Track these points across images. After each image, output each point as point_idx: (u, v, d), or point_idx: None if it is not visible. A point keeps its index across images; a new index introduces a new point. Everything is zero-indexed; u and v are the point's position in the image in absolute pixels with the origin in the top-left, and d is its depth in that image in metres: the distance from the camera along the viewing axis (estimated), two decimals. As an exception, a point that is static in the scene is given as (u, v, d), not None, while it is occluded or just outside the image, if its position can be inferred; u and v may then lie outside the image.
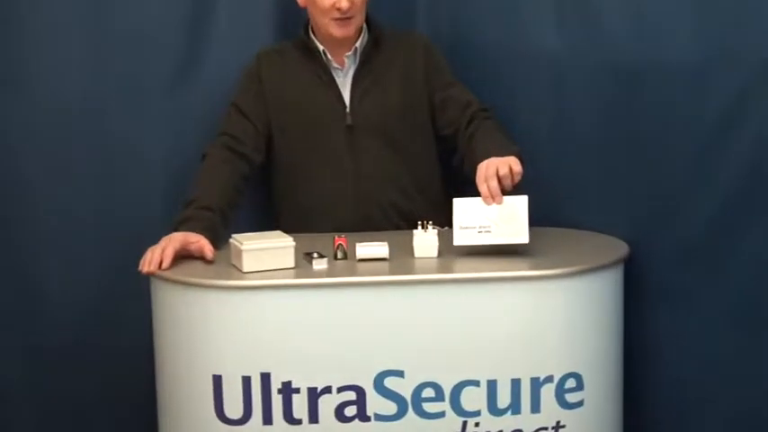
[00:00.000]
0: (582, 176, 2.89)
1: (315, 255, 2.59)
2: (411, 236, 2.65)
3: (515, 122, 2.95)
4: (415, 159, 2.99)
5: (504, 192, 2.63)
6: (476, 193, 2.70)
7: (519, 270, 2.56)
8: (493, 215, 2.62)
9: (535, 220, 2.66)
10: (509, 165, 2.64)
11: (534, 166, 2.80)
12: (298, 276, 2.52)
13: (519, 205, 2.62)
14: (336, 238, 2.66)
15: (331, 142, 2.94)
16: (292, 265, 2.56)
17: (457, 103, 2.94)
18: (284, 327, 2.49)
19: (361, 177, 2.93)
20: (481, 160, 2.69)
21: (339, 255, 2.65)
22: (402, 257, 2.63)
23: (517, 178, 2.64)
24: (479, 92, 2.98)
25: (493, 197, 2.62)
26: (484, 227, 2.62)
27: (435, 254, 2.63)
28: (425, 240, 2.63)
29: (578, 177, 2.90)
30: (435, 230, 2.64)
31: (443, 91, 2.96)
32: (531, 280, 2.55)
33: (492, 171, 2.64)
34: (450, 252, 2.64)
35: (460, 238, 2.61)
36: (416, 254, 2.63)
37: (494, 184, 2.62)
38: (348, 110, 2.93)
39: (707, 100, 2.64)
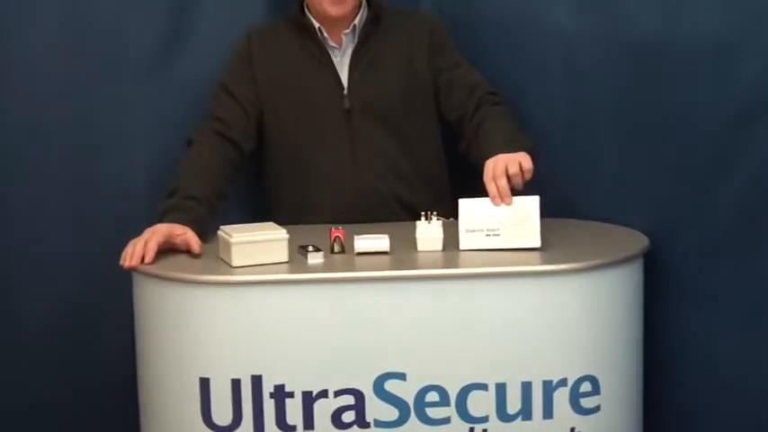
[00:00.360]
0: (598, 164, 2.85)
1: (310, 248, 2.53)
2: (413, 228, 2.59)
3: (527, 108, 2.91)
4: (417, 146, 2.94)
5: (514, 191, 2.57)
6: (483, 183, 2.64)
7: (531, 265, 2.50)
8: (502, 217, 2.56)
9: (548, 211, 2.61)
10: (519, 162, 2.58)
11: (548, 153, 2.77)
12: (291, 271, 2.46)
13: (530, 206, 2.56)
14: (333, 230, 2.59)
15: (327, 127, 2.88)
16: (285, 259, 2.50)
17: (463, 85, 2.88)
18: (277, 326, 2.44)
19: (359, 165, 2.87)
20: (489, 156, 2.64)
21: (336, 248, 2.58)
22: (404, 251, 2.57)
23: (528, 176, 2.59)
24: (488, 75, 2.93)
25: (502, 197, 2.55)
26: (492, 230, 2.57)
27: (440, 247, 2.56)
28: (429, 232, 2.56)
29: (594, 165, 2.85)
30: (440, 222, 2.57)
31: (449, 72, 2.90)
32: (543, 275, 2.49)
33: (501, 169, 2.58)
34: (455, 245, 2.58)
35: (467, 242, 2.56)
36: (419, 247, 2.56)
37: (503, 183, 2.56)
38: (346, 92, 2.87)
39: (733, 82, 2.57)
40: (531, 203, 2.56)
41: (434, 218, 2.58)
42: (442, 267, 2.50)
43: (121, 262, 2.55)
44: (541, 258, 2.53)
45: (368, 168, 2.88)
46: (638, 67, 2.71)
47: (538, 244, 2.54)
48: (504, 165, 2.59)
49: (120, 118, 2.98)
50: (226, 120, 2.85)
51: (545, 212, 2.59)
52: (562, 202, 2.84)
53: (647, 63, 2.70)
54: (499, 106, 2.85)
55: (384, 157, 2.89)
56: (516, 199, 2.57)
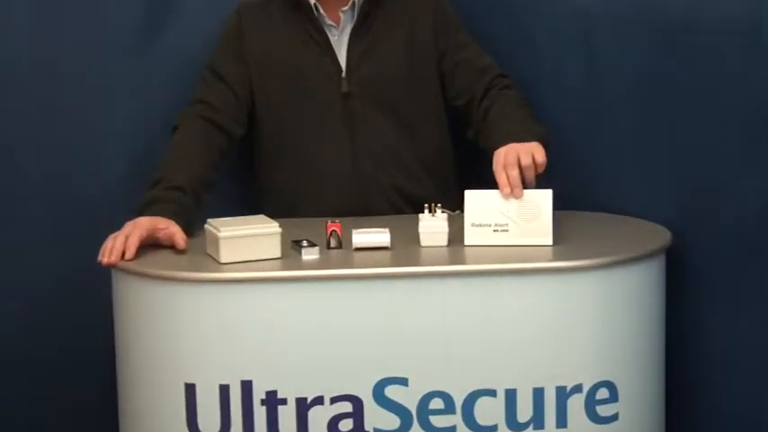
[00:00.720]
0: (617, 152, 2.80)
1: (304, 243, 2.48)
2: (416, 221, 2.53)
3: (541, 91, 2.87)
4: (421, 134, 2.88)
5: (526, 185, 2.53)
6: (492, 174, 2.59)
7: (542, 261, 2.45)
8: (511, 211, 2.51)
9: (562, 203, 2.58)
10: (532, 153, 2.54)
11: (562, 141, 2.75)
12: (284, 268, 2.43)
13: (542, 201, 2.51)
14: (329, 223, 2.54)
15: (324, 112, 2.82)
16: (278, 255, 2.46)
17: (471, 67, 2.83)
18: (268, 327, 2.40)
19: (358, 153, 2.81)
20: (500, 145, 2.60)
21: (333, 243, 2.52)
22: (406, 246, 2.52)
23: (541, 170, 2.55)
24: (499, 60, 2.88)
25: (512, 188, 2.51)
26: (500, 225, 2.52)
27: (445, 242, 2.51)
28: (433, 226, 2.51)
29: (612, 153, 2.80)
30: (445, 215, 2.51)
31: (456, 53, 2.85)
32: (556, 273, 2.44)
33: (512, 159, 2.54)
34: (461, 240, 2.53)
35: (472, 237, 2.52)
36: (423, 242, 2.51)
37: (515, 173, 2.51)
38: (344, 74, 2.81)
39: (764, 63, 2.49)
40: (544, 198, 2.51)
41: (439, 211, 2.52)
42: (447, 264, 2.45)
43: (99, 258, 2.49)
44: (554, 254, 2.49)
45: (367, 156, 2.81)
46: (661, 49, 2.66)
47: (550, 242, 2.50)
48: (516, 154, 2.54)
49: (99, 106, 2.93)
50: (214, 104, 2.80)
51: (558, 204, 2.55)
52: (577, 192, 2.80)
53: (670, 44, 2.65)
54: (510, 90, 2.81)
55: (385, 144, 2.83)
56: (527, 192, 2.53)
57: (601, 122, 2.82)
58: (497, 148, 2.59)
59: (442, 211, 2.52)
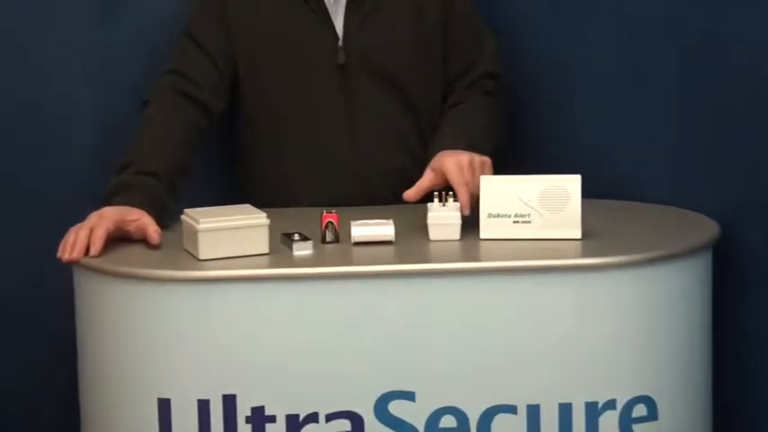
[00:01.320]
0: (656, 135, 2.69)
1: (296, 236, 2.37)
2: (424, 211, 2.42)
3: (570, 72, 2.80)
4: (428, 113, 2.75)
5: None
6: (515, 162, 2.54)
7: (570, 258, 2.32)
8: (534, 200, 2.39)
9: (593, 191, 2.46)
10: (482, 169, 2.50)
11: (594, 123, 2.71)
12: (273, 266, 2.31)
13: (570, 187, 2.37)
14: (325, 214, 2.41)
15: (318, 87, 2.70)
16: (266, 250, 2.34)
17: (463, 56, 2.74)
18: (255, 334, 2.28)
19: (357, 134, 2.68)
20: (443, 145, 2.57)
21: (329, 236, 2.41)
22: (413, 240, 2.41)
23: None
24: (525, 41, 2.82)
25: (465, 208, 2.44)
26: (521, 215, 2.39)
27: (457, 236, 2.39)
28: (444, 218, 2.39)
29: (652, 136, 2.70)
30: (457, 204, 2.40)
31: (456, 28, 2.75)
32: (587, 270, 2.31)
33: (469, 176, 2.48)
34: (476, 233, 2.42)
35: (489, 229, 2.40)
36: (432, 236, 2.39)
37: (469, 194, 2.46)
38: (341, 43, 2.68)
39: None
40: (572, 184, 2.38)
41: (451, 199, 2.41)
42: (459, 261, 2.34)
43: (60, 254, 2.38)
44: (583, 249, 2.36)
45: (367, 137, 2.69)
46: (704, 21, 2.58)
47: (578, 235, 2.38)
48: (471, 172, 2.48)
49: (59, 81, 2.84)
50: (191, 76, 2.68)
51: (589, 192, 2.42)
52: (610, 180, 2.71)
53: (716, 14, 2.56)
54: (490, 97, 2.73)
55: (387, 123, 2.71)
56: (553, 178, 2.40)
57: (637, 104, 2.74)
58: (443, 147, 2.54)
59: (455, 201, 2.41)
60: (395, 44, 2.71)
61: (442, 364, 2.29)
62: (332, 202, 2.54)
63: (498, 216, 2.41)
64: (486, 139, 2.63)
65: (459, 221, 2.39)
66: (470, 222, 2.42)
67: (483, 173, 2.47)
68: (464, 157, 2.50)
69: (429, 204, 2.41)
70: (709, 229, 2.51)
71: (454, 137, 2.59)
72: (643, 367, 2.34)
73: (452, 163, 2.47)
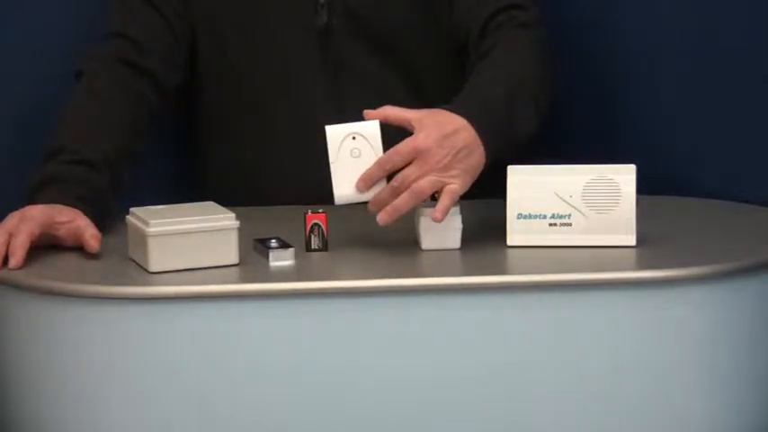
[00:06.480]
0: (722, 118, 2.48)
1: (273, 243, 2.12)
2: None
3: (615, 48, 2.59)
4: (432, 86, 2.48)
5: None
6: (538, 149, 2.25)
7: (623, 270, 2.05)
8: (576, 196, 2.12)
9: (650, 186, 2.20)
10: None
11: (648, 106, 2.52)
12: (244, 280, 2.07)
13: (622, 182, 2.11)
14: (310, 214, 2.14)
15: (294, 55, 2.44)
16: (235, 260, 2.09)
17: None
18: (218, 363, 2.03)
19: (344, 112, 2.30)
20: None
21: (315, 243, 2.13)
22: (415, 247, 2.17)
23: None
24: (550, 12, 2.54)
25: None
26: (560, 216, 2.13)
27: (457, 244, 2.15)
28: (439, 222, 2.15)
29: (717, 119, 2.49)
30: (457, 207, 2.14)
31: None
32: (645, 286, 2.03)
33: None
34: (502, 239, 2.18)
35: (519, 234, 2.15)
36: (423, 244, 2.15)
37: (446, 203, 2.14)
38: (322, 0, 2.43)
39: None
40: (623, 177, 2.10)
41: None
42: (481, 274, 2.06)
43: None
44: (640, 260, 2.08)
45: (357, 117, 2.36)
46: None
47: (633, 241, 2.10)
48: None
49: None
50: (137, 39, 2.40)
51: (644, 187, 2.13)
52: (670, 172, 2.49)
53: None
54: (526, 29, 2.42)
55: (382, 98, 2.36)
56: (601, 168, 2.12)
57: (697, 84, 2.52)
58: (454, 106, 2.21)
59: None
60: (391, 4, 2.43)
61: (452, 403, 2.02)
62: (315, 200, 2.23)
63: (530, 217, 2.12)
64: (529, 92, 2.29)
65: (459, 226, 2.13)
66: (487, 226, 2.16)
67: (441, 180, 2.12)
68: (445, 141, 2.14)
69: (421, 207, 2.13)
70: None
71: (478, 102, 2.23)
72: (715, 398, 2.06)
73: (425, 135, 2.14)
